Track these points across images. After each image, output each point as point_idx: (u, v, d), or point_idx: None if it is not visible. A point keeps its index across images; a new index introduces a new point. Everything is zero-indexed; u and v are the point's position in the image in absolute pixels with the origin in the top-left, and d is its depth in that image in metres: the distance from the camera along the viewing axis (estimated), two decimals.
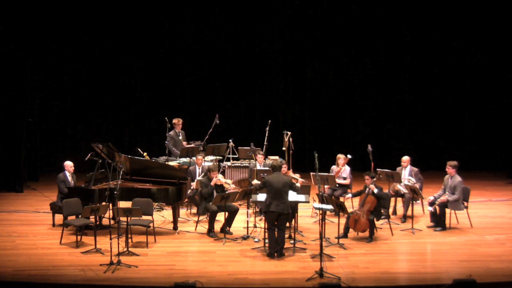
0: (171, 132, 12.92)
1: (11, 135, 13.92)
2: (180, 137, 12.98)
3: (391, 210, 11.52)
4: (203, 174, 11.66)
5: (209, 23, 15.65)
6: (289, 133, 12.44)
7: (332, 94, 16.22)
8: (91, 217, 10.00)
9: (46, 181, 14.34)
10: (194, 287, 7.85)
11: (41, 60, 14.93)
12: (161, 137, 12.95)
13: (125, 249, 9.28)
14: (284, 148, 12.48)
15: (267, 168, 11.34)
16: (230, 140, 12.75)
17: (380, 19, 15.86)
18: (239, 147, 12.88)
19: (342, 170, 11.69)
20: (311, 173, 11.16)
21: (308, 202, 10.22)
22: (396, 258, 9.71)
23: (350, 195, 10.90)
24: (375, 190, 10.19)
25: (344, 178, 11.74)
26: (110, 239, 8.88)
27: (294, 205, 10.03)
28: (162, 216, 11.56)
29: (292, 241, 9.78)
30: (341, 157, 11.76)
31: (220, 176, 10.77)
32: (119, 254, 8.99)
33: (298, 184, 10.07)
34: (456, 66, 16.09)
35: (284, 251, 9.41)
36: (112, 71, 15.63)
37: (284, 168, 10.95)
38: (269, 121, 12.82)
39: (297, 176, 11.15)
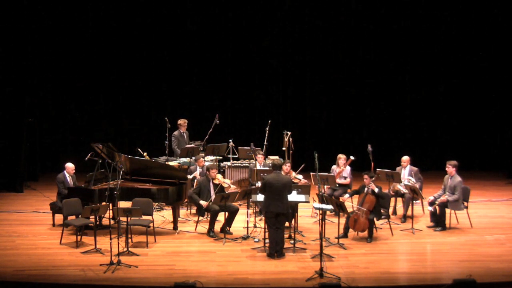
0: (176, 132, 12.93)
1: (11, 135, 13.92)
2: (185, 138, 12.99)
3: (391, 210, 11.52)
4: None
5: (209, 22, 15.66)
6: (289, 133, 12.44)
7: (332, 94, 16.22)
8: (91, 217, 10.00)
9: (46, 181, 14.33)
10: (194, 287, 7.85)
11: (41, 60, 14.94)
12: (161, 137, 12.95)
13: (125, 249, 9.28)
14: (284, 148, 12.48)
15: (267, 168, 11.34)
16: (230, 140, 12.75)
17: (380, 19, 15.87)
18: (239, 147, 12.87)
19: (342, 171, 11.69)
20: (311, 173, 11.15)
21: (308, 202, 10.21)
22: (396, 258, 9.71)
23: (347, 195, 10.86)
24: (376, 189, 10.18)
25: (345, 178, 11.74)
26: (110, 239, 8.88)
27: (294, 205, 10.03)
28: (162, 216, 11.56)
29: (292, 241, 9.77)
30: (341, 157, 11.75)
31: (219, 176, 10.78)
32: (119, 254, 9.00)
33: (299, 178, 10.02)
34: (456, 66, 16.08)
35: (284, 251, 9.41)
36: (112, 71, 15.63)
37: (288, 168, 10.95)
38: (269, 121, 12.82)
39: (300, 177, 11.13)
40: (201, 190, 10.59)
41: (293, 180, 10.57)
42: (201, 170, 11.80)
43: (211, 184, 10.66)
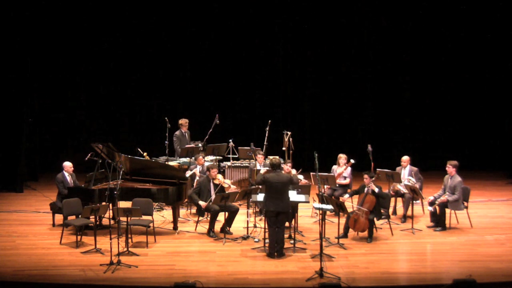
0: (177, 132, 12.93)
1: (11, 135, 13.92)
2: (186, 137, 12.99)
3: (391, 210, 11.52)
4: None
5: (209, 22, 15.67)
6: (289, 133, 12.43)
7: (332, 94, 16.22)
8: (91, 217, 10.00)
9: (46, 181, 14.34)
10: (194, 287, 7.85)
11: (41, 60, 14.95)
12: (161, 137, 12.95)
13: (125, 249, 9.28)
14: (284, 148, 12.47)
15: (267, 168, 11.33)
16: (230, 140, 12.75)
17: (380, 18, 15.87)
18: (239, 147, 12.87)
19: (341, 172, 11.68)
20: (311, 173, 11.15)
21: (308, 202, 10.21)
22: (396, 258, 9.71)
23: (347, 195, 10.85)
24: (376, 189, 10.19)
25: (344, 178, 11.74)
26: (110, 239, 8.88)
27: (294, 205, 10.03)
28: (162, 216, 11.56)
29: (292, 241, 9.77)
30: (342, 157, 11.76)
31: (220, 176, 10.77)
32: (119, 254, 8.99)
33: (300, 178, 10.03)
34: (456, 66, 16.09)
35: (284, 251, 9.41)
36: (112, 71, 15.64)
37: (288, 167, 10.94)
38: (269, 121, 12.82)
39: (300, 177, 11.13)
40: (201, 190, 10.58)
41: None
42: (200, 168, 11.80)
43: (211, 184, 10.65)
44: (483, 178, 15.17)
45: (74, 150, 15.01)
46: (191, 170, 11.92)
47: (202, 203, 10.41)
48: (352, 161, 11.62)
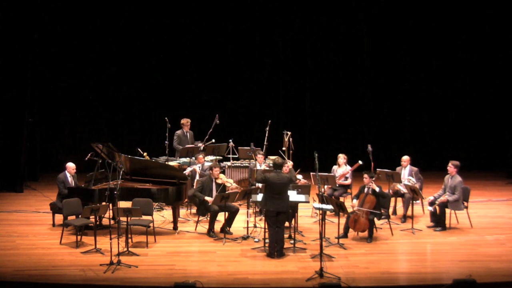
0: (178, 132, 12.93)
1: (11, 135, 13.92)
2: (188, 137, 12.99)
3: (391, 210, 11.52)
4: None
5: (209, 22, 15.67)
6: (289, 133, 12.44)
7: (332, 94, 16.22)
8: (91, 217, 10.00)
9: (46, 181, 14.35)
10: (194, 287, 7.85)
11: (41, 60, 14.94)
12: (161, 137, 12.95)
13: (125, 249, 9.28)
14: (284, 148, 12.48)
15: (267, 168, 11.34)
16: (230, 140, 12.75)
17: (379, 18, 15.88)
18: (239, 147, 12.87)
19: (346, 172, 11.67)
20: (311, 173, 11.15)
21: (308, 202, 10.21)
22: (396, 258, 9.71)
23: (355, 201, 10.77)
24: (377, 189, 10.18)
25: (346, 178, 11.74)
26: (110, 239, 8.88)
27: (294, 205, 10.03)
28: (162, 216, 11.56)
29: (292, 241, 9.77)
30: (341, 156, 11.76)
31: (222, 176, 10.77)
32: (119, 254, 9.00)
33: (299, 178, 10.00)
34: (456, 66, 16.10)
35: (284, 251, 9.41)
36: (112, 71, 15.64)
37: (287, 168, 10.93)
38: (269, 121, 12.83)
39: (299, 177, 11.13)
40: (203, 189, 10.58)
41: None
42: (201, 166, 11.80)
43: (213, 183, 10.66)
44: (483, 178, 15.18)
45: (74, 150, 15.00)
46: (193, 176, 11.90)
47: (208, 199, 10.39)
48: (360, 162, 11.53)
